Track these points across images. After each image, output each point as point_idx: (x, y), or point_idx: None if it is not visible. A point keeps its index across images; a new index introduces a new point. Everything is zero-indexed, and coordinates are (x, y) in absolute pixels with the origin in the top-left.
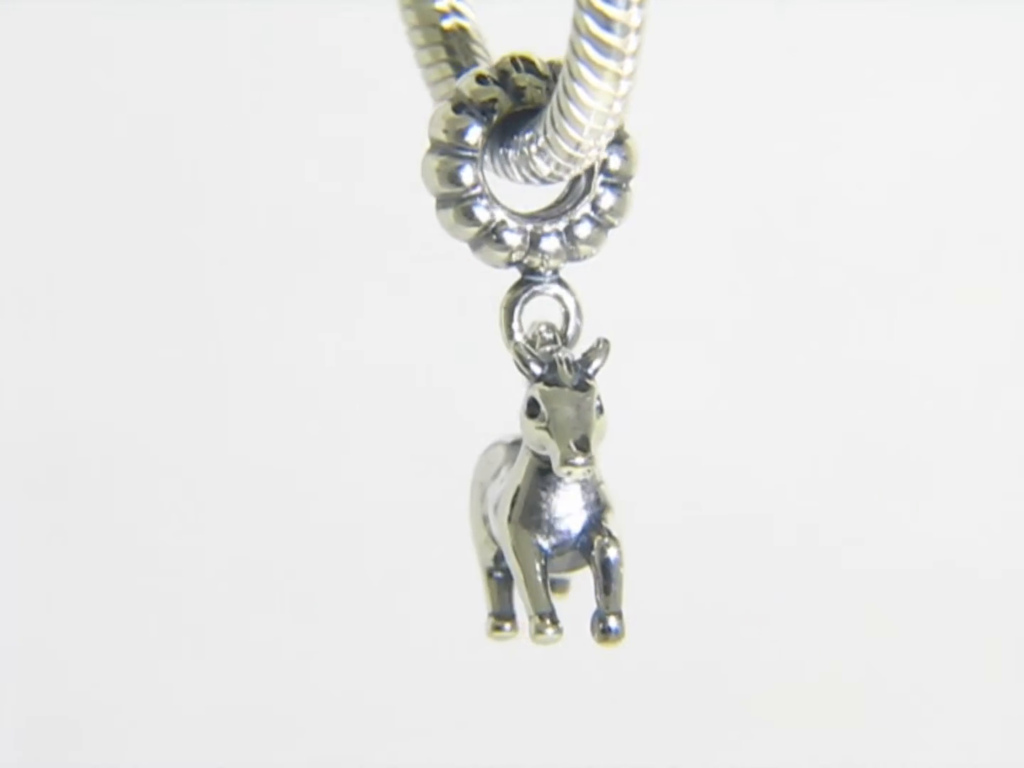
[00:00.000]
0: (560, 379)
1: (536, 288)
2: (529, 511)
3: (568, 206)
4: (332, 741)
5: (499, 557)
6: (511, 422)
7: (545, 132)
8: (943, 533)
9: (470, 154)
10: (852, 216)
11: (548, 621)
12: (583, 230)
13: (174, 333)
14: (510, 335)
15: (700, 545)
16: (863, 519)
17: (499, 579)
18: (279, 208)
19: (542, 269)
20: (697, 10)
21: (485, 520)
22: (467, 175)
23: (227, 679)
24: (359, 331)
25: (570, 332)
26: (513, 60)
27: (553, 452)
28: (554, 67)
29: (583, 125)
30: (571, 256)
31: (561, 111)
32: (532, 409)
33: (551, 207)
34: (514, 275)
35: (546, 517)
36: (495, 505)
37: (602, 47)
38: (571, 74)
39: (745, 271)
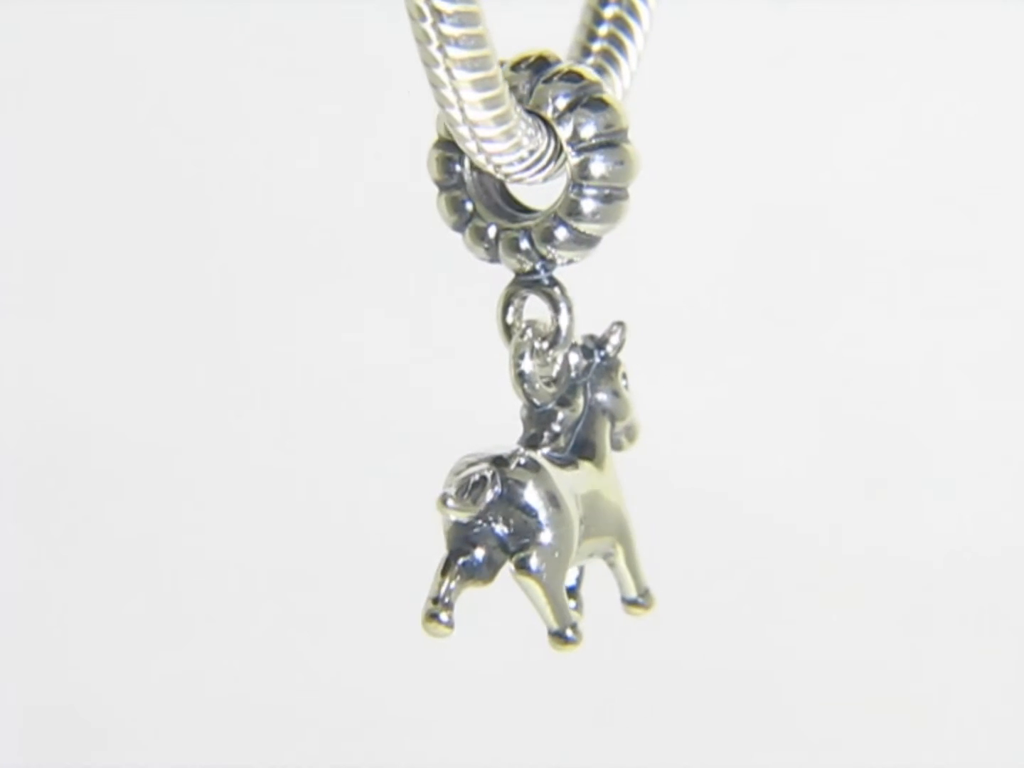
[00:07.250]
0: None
1: (529, 287)
2: None
3: (550, 209)
4: (333, 741)
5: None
6: (511, 422)
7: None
8: (952, 526)
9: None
10: (852, 212)
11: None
12: (560, 234)
13: (174, 332)
14: (507, 332)
15: (701, 540)
16: (871, 513)
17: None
18: (280, 210)
19: (523, 268)
20: (698, 10)
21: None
22: (458, 168)
23: (231, 678)
24: (358, 330)
25: (563, 330)
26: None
27: (636, 418)
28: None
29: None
30: (543, 258)
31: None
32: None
33: (532, 210)
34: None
35: None
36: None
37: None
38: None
39: (746, 263)
